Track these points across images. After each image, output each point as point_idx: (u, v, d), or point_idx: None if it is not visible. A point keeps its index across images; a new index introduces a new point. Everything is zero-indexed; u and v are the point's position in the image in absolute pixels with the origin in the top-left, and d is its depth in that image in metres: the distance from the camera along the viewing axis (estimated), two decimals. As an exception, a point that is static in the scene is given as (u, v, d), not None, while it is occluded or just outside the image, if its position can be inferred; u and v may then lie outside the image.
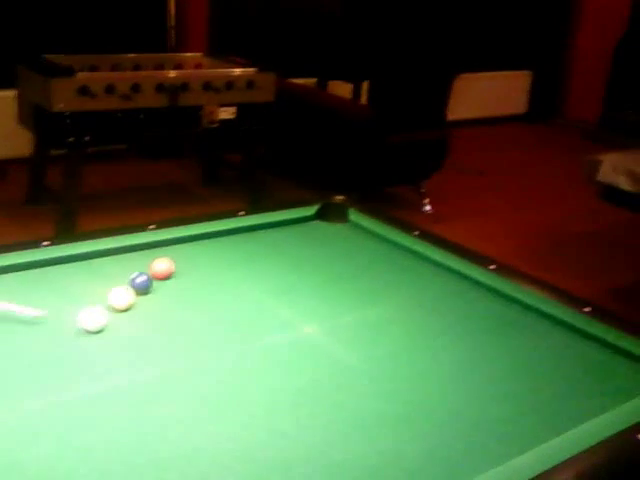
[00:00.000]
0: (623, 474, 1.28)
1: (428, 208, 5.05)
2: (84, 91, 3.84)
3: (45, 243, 1.97)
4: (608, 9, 7.44)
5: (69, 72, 3.90)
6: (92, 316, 1.61)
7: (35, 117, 4.15)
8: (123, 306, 1.72)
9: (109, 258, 1.99)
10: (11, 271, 1.85)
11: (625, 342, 1.69)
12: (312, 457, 1.27)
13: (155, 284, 1.84)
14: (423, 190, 5.11)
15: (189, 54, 5.05)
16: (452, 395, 1.49)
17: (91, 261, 1.96)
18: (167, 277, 1.90)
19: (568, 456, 1.26)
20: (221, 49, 5.35)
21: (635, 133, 6.67)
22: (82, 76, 3.93)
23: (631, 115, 6.99)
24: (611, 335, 1.72)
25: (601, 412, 1.42)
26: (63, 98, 3.81)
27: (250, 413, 1.38)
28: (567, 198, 5.51)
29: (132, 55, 4.70)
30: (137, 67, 4.58)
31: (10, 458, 1.22)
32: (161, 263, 1.90)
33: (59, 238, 2.00)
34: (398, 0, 6.63)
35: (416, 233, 2.25)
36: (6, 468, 1.19)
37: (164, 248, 2.06)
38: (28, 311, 1.63)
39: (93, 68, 4.39)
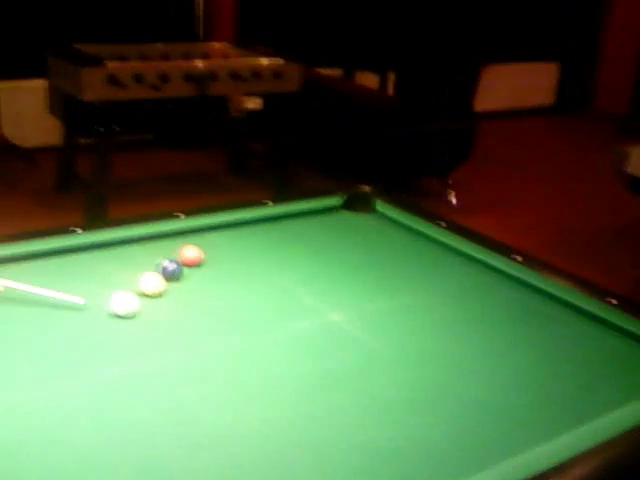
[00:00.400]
0: (647, 464, 1.29)
1: (454, 200, 5.04)
2: (114, 81, 3.89)
3: (77, 230, 2.01)
4: (639, -1, 7.35)
5: (99, 62, 3.95)
6: (124, 301, 1.64)
7: (65, 106, 4.21)
8: (154, 292, 1.75)
9: (139, 245, 2.02)
10: (43, 257, 1.90)
11: (652, 334, 1.69)
12: (340, 439, 1.29)
13: (185, 271, 1.87)
14: (449, 181, 5.10)
15: (216, 44, 5.08)
16: (476, 382, 1.50)
17: (122, 248, 2.00)
18: (196, 264, 1.93)
19: (592, 445, 1.27)
20: (248, 39, 5.38)
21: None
22: (112, 66, 3.98)
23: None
24: (637, 326, 1.72)
25: (626, 402, 1.42)
26: (93, 87, 3.86)
27: (279, 396, 1.41)
28: (596, 190, 5.46)
29: (160, 45, 4.74)
30: (165, 57, 4.62)
31: (49, 435, 1.26)
32: (191, 251, 1.93)
33: (90, 225, 2.03)
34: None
35: (442, 224, 2.26)
36: (46, 444, 1.23)
37: (193, 236, 2.10)
38: (68, 298, 1.67)
39: (121, 57, 4.43)
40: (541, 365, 1.58)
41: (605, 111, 7.76)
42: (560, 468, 1.21)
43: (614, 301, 1.82)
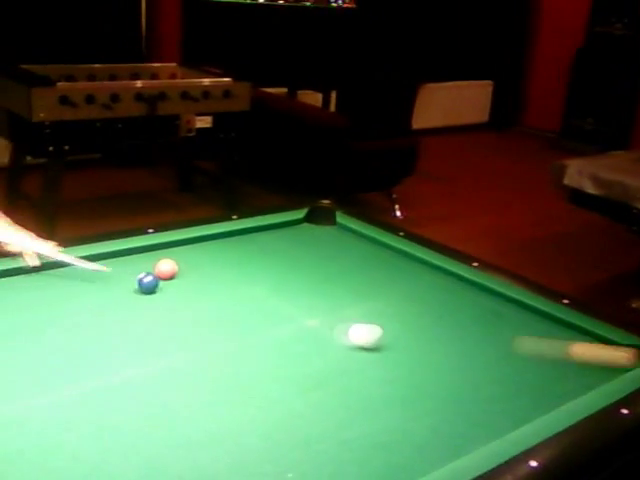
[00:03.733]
0: (609, 445, 1.41)
1: (399, 213, 5.19)
2: (64, 101, 3.90)
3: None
4: (566, 20, 7.72)
5: (49, 82, 3.96)
6: (364, 332, 1.69)
7: (12, 126, 4.19)
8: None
9: (113, 260, 2.07)
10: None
11: (602, 330, 1.83)
12: (327, 435, 1.38)
13: (160, 284, 1.93)
14: (394, 196, 5.25)
15: (163, 64, 5.12)
16: (449, 378, 1.61)
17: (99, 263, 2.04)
18: (171, 277, 1.99)
19: (558, 430, 1.39)
20: (193, 59, 5.44)
21: (594, 140, 6.93)
22: (62, 86, 3.99)
23: (590, 123, 7.25)
24: (588, 324, 1.86)
25: (585, 391, 1.55)
26: (44, 108, 3.86)
27: (265, 398, 1.49)
28: (533, 202, 5.71)
29: (107, 65, 4.76)
30: (112, 77, 4.64)
31: (47, 440, 1.31)
32: (165, 264, 1.99)
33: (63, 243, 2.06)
34: (362, 13, 6.80)
35: (401, 234, 2.38)
36: (47, 448, 1.28)
37: (163, 250, 2.15)
38: (89, 266, 1.90)
39: (69, 78, 4.44)
40: (506, 361, 1.70)
41: (535, 128, 8.10)
42: (530, 451, 1.33)
43: (566, 302, 1.96)
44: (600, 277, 4.42)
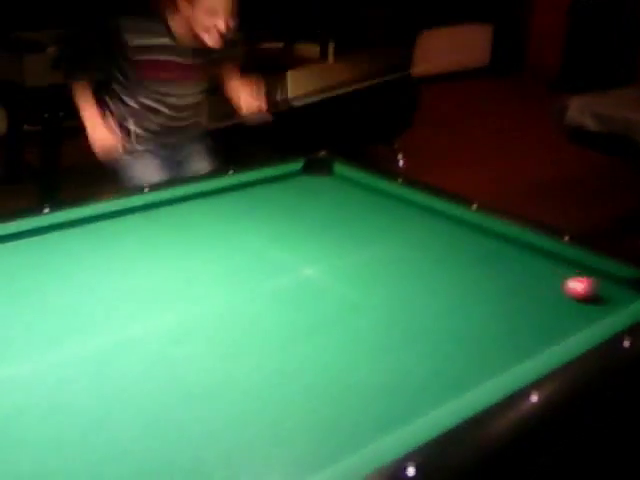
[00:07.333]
0: (611, 376, 1.41)
1: (401, 163, 5.15)
2: (57, 65, 3.85)
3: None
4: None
5: (40, 47, 3.90)
6: None
7: (6, 94, 4.16)
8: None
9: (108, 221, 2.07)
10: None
11: (604, 264, 1.81)
12: (327, 381, 1.38)
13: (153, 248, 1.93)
14: (396, 146, 5.20)
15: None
16: (449, 319, 1.61)
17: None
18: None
19: (562, 364, 1.38)
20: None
21: (596, 80, 6.81)
22: (53, 50, 3.93)
23: (592, 63, 7.12)
24: (591, 259, 1.84)
25: (588, 325, 1.54)
26: (36, 73, 3.82)
27: (265, 347, 1.49)
28: (537, 146, 5.64)
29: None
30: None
31: (50, 397, 1.32)
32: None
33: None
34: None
35: (400, 180, 2.35)
36: (50, 404, 1.29)
37: (161, 208, 2.15)
38: None
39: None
40: (506, 300, 1.70)
41: (536, 70, 7.97)
42: (532, 386, 1.32)
43: (567, 238, 1.94)
44: (605, 217, 4.37)
